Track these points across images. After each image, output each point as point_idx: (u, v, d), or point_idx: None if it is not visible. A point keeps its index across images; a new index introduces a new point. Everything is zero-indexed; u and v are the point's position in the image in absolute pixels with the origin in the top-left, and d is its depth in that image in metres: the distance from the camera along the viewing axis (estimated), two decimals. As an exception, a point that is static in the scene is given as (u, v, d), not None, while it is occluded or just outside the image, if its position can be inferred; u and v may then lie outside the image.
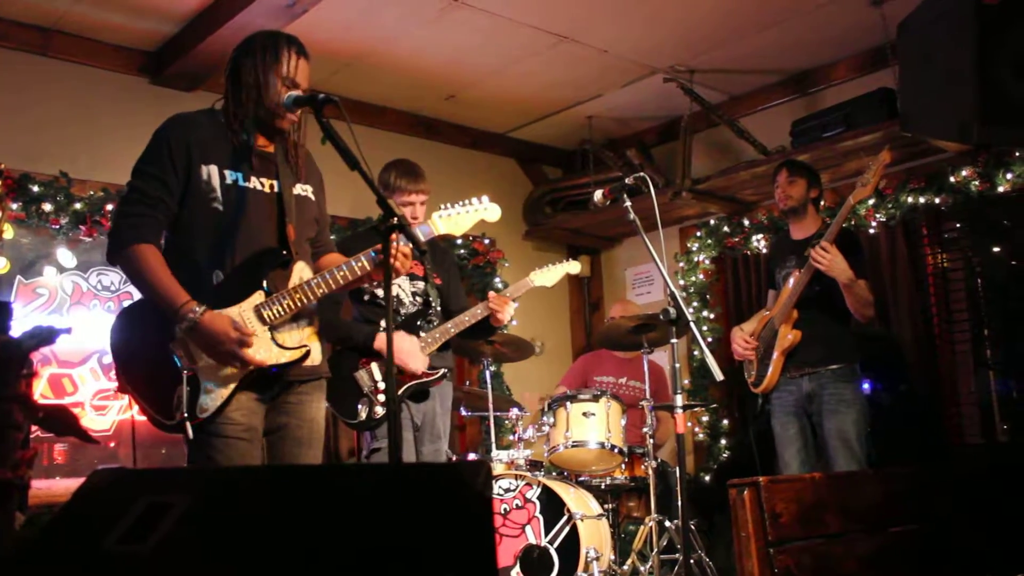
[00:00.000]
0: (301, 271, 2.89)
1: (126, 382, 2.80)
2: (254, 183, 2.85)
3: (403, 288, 4.21)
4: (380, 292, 4.12)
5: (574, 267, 4.57)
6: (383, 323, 4.05)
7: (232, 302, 2.76)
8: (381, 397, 3.97)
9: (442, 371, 4.09)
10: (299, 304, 2.81)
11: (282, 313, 2.79)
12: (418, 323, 4.14)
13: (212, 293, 2.74)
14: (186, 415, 2.66)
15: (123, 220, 2.77)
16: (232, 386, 2.72)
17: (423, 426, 4.10)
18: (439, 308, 4.25)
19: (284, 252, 2.84)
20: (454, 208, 3.33)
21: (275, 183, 2.89)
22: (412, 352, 3.98)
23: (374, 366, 4.02)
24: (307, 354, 2.84)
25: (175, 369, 2.70)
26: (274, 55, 2.83)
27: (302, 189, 3.01)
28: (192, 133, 2.82)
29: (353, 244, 3.69)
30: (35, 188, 4.86)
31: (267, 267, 2.81)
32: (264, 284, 2.79)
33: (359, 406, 3.96)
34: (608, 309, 6.87)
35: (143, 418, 2.80)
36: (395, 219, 2.51)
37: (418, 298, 4.22)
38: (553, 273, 4.46)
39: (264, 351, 2.77)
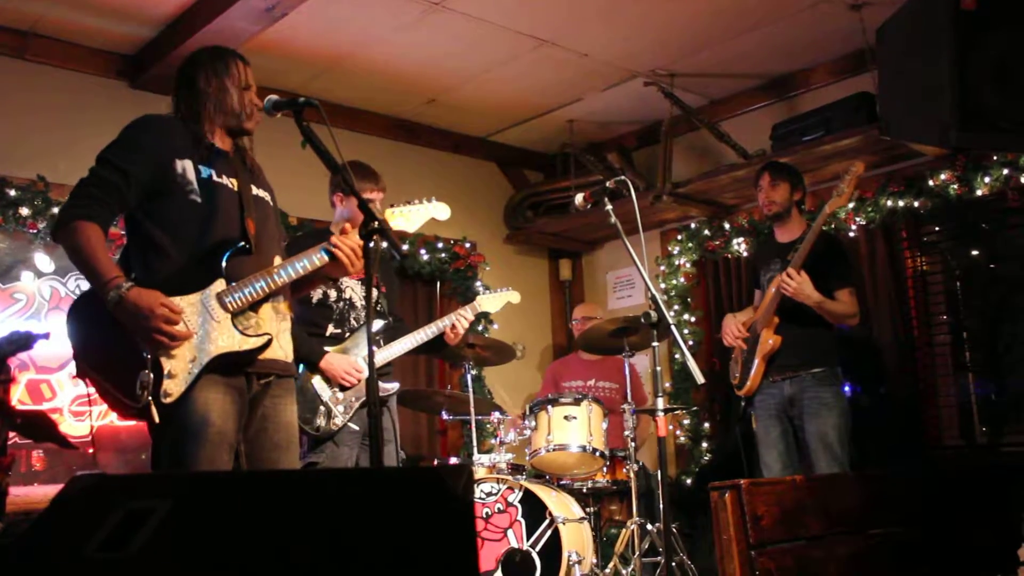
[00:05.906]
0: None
1: (88, 366, 2.77)
2: (224, 180, 2.92)
3: (355, 292, 4.25)
4: (332, 293, 4.19)
5: (515, 297, 4.79)
6: (329, 329, 4.16)
7: (194, 290, 2.77)
8: (340, 408, 4.03)
9: (395, 385, 4.21)
10: (260, 292, 2.83)
11: (244, 300, 2.80)
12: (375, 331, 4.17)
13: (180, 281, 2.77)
14: (151, 398, 2.64)
15: (75, 199, 2.79)
16: (196, 371, 2.69)
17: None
18: (391, 318, 4.35)
19: (243, 244, 2.86)
20: (405, 207, 3.41)
21: (235, 181, 2.95)
22: (348, 370, 4.05)
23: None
24: (269, 342, 2.84)
25: (138, 352, 2.67)
26: (224, 66, 2.99)
27: (263, 193, 3.08)
28: (164, 132, 2.88)
29: (304, 243, 3.67)
30: (12, 192, 4.83)
31: (226, 256, 2.83)
32: (224, 271, 2.81)
33: (318, 415, 3.99)
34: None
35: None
36: (376, 223, 2.49)
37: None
38: (498, 300, 4.71)
39: (227, 337, 2.76)
